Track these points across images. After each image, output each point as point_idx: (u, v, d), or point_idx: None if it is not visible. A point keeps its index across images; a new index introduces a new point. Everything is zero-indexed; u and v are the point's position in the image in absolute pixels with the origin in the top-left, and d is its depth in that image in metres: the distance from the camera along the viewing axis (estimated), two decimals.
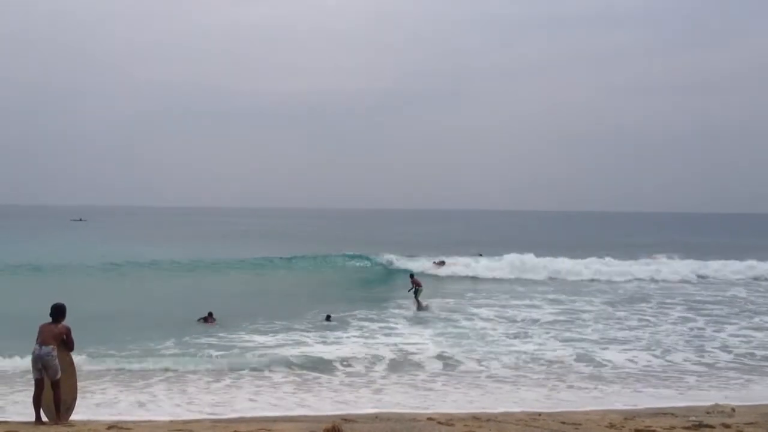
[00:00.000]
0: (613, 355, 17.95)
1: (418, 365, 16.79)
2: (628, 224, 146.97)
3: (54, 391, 10.67)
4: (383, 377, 15.77)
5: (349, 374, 15.95)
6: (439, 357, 17.52)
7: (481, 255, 52.68)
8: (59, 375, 10.66)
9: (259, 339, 19.84)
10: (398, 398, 13.93)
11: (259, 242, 63.99)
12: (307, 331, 21.04)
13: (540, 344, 19.65)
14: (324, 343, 19.35)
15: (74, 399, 11.11)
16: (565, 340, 20.17)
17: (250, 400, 13.63)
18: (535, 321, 23.81)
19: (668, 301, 29.10)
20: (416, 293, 27.32)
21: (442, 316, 24.62)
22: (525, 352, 18.33)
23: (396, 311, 25.44)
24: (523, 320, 23.92)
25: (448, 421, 10.74)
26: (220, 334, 20.26)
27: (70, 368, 11.04)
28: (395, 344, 19.07)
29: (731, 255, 44.13)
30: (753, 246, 59.92)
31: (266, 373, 15.86)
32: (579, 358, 17.63)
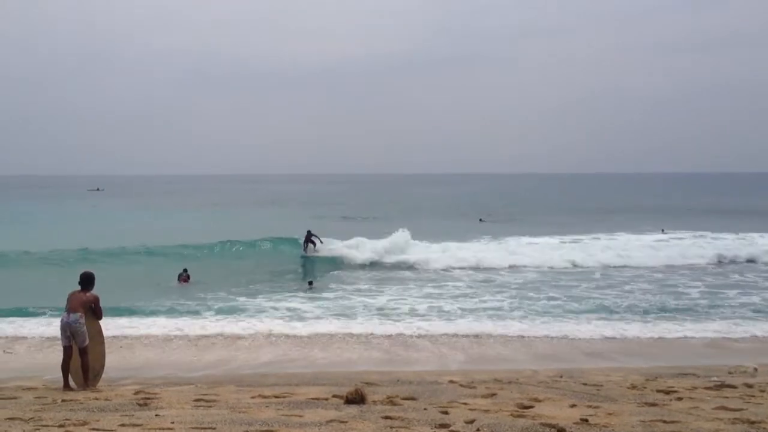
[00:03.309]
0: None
1: (412, 325, 17.82)
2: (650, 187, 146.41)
3: (82, 357, 10.84)
4: (381, 337, 16.69)
5: (349, 335, 16.88)
6: (425, 317, 19.05)
7: (482, 220, 52.91)
8: (87, 342, 10.83)
9: (261, 302, 21.41)
10: (405, 356, 14.68)
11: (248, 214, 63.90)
12: (296, 294, 22.85)
13: (532, 302, 21.07)
14: (314, 305, 20.73)
15: (102, 366, 11.31)
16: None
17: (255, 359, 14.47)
18: (518, 284, 24.85)
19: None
20: (312, 243, 32.36)
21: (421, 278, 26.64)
22: (513, 309, 19.96)
23: (369, 275, 27.65)
24: (501, 284, 24.91)
25: (470, 383, 10.84)
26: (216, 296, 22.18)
27: (98, 336, 11.22)
28: (383, 306, 20.67)
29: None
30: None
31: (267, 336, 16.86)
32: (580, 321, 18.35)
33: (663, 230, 42.11)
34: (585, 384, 10.74)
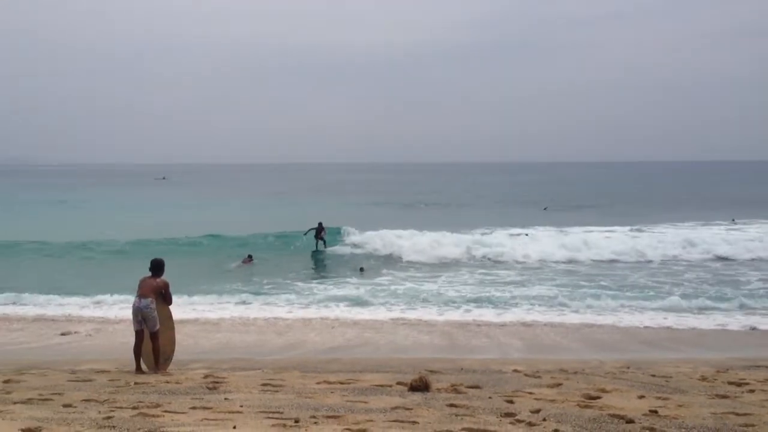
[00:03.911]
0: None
1: (469, 313, 18.20)
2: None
3: (153, 342, 11.13)
4: (440, 323, 16.99)
5: (408, 321, 17.24)
6: (478, 302, 19.50)
7: (546, 209, 52.40)
8: (158, 327, 11.10)
9: (316, 287, 22.33)
10: (464, 343, 14.85)
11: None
12: (348, 281, 23.44)
13: (588, 290, 20.95)
14: (369, 292, 21.13)
15: (172, 350, 11.57)
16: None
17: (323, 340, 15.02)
18: (574, 272, 24.83)
19: None
20: (323, 240, 30.91)
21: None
22: (569, 298, 19.77)
23: (419, 261, 27.76)
24: (558, 273, 24.91)
25: (535, 373, 10.76)
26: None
27: (168, 321, 11.48)
28: (438, 293, 20.87)
29: None
30: None
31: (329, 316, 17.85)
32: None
33: (733, 220, 40.74)
34: (653, 375, 10.55)
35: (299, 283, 22.67)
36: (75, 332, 15.86)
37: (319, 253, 30.46)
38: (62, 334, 15.64)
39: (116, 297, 19.43)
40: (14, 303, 19.45)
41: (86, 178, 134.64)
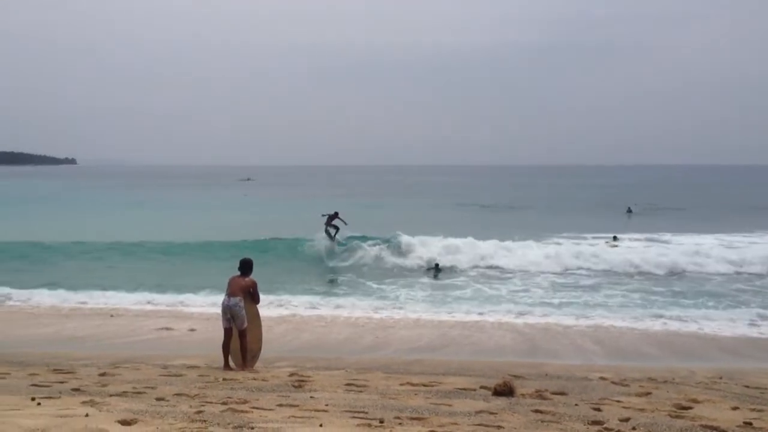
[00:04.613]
0: None
1: (546, 317, 18.02)
2: None
3: (241, 339, 11.41)
4: (520, 326, 16.97)
5: (487, 323, 17.26)
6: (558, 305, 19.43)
7: (630, 210, 51.40)
8: (246, 325, 11.37)
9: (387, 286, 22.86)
10: (546, 348, 14.78)
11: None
12: (420, 281, 24.05)
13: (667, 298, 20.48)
14: (445, 293, 21.46)
15: (259, 348, 11.84)
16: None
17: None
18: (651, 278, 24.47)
19: None
20: (330, 232, 29.87)
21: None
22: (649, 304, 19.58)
23: (488, 263, 27.29)
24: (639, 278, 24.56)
25: (622, 380, 10.54)
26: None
27: (255, 319, 11.74)
28: (511, 297, 20.78)
29: None
30: None
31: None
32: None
33: None
34: (747, 386, 10.19)
35: (372, 284, 23.14)
36: (171, 329, 16.37)
37: (393, 255, 28.89)
38: (160, 329, 16.20)
39: (209, 295, 19.93)
40: (120, 300, 20.07)
41: (170, 179, 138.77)
